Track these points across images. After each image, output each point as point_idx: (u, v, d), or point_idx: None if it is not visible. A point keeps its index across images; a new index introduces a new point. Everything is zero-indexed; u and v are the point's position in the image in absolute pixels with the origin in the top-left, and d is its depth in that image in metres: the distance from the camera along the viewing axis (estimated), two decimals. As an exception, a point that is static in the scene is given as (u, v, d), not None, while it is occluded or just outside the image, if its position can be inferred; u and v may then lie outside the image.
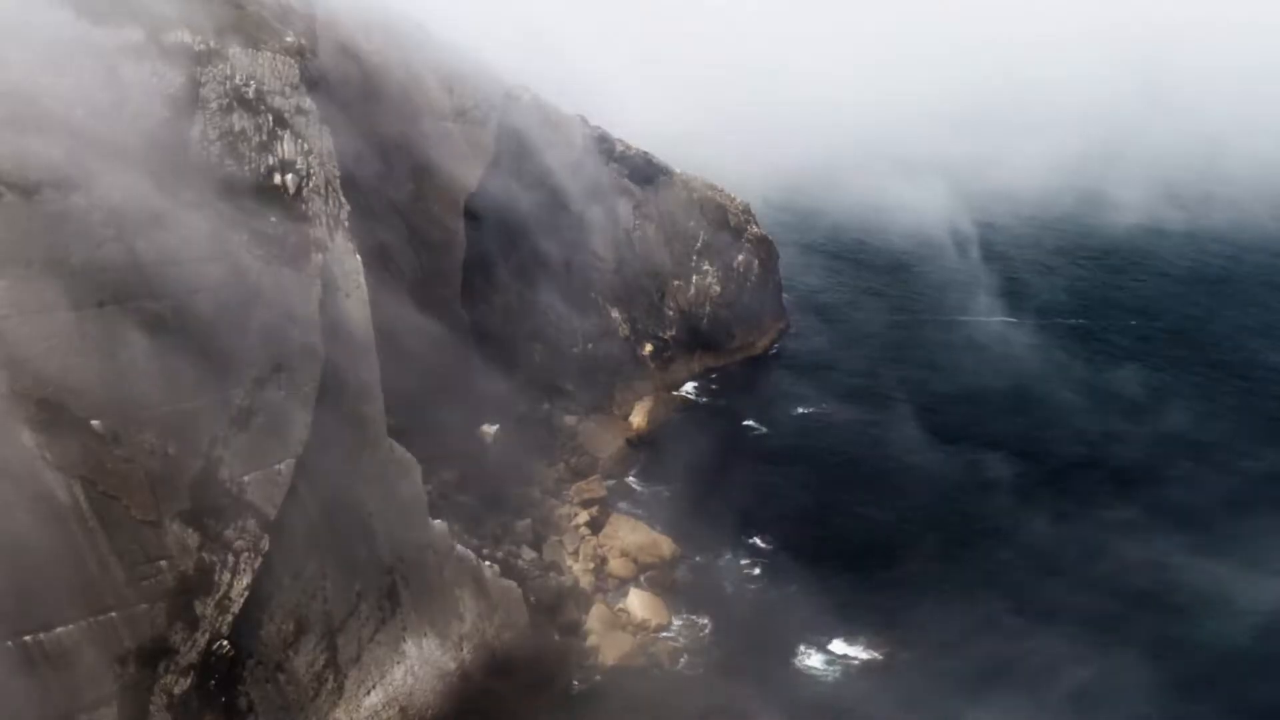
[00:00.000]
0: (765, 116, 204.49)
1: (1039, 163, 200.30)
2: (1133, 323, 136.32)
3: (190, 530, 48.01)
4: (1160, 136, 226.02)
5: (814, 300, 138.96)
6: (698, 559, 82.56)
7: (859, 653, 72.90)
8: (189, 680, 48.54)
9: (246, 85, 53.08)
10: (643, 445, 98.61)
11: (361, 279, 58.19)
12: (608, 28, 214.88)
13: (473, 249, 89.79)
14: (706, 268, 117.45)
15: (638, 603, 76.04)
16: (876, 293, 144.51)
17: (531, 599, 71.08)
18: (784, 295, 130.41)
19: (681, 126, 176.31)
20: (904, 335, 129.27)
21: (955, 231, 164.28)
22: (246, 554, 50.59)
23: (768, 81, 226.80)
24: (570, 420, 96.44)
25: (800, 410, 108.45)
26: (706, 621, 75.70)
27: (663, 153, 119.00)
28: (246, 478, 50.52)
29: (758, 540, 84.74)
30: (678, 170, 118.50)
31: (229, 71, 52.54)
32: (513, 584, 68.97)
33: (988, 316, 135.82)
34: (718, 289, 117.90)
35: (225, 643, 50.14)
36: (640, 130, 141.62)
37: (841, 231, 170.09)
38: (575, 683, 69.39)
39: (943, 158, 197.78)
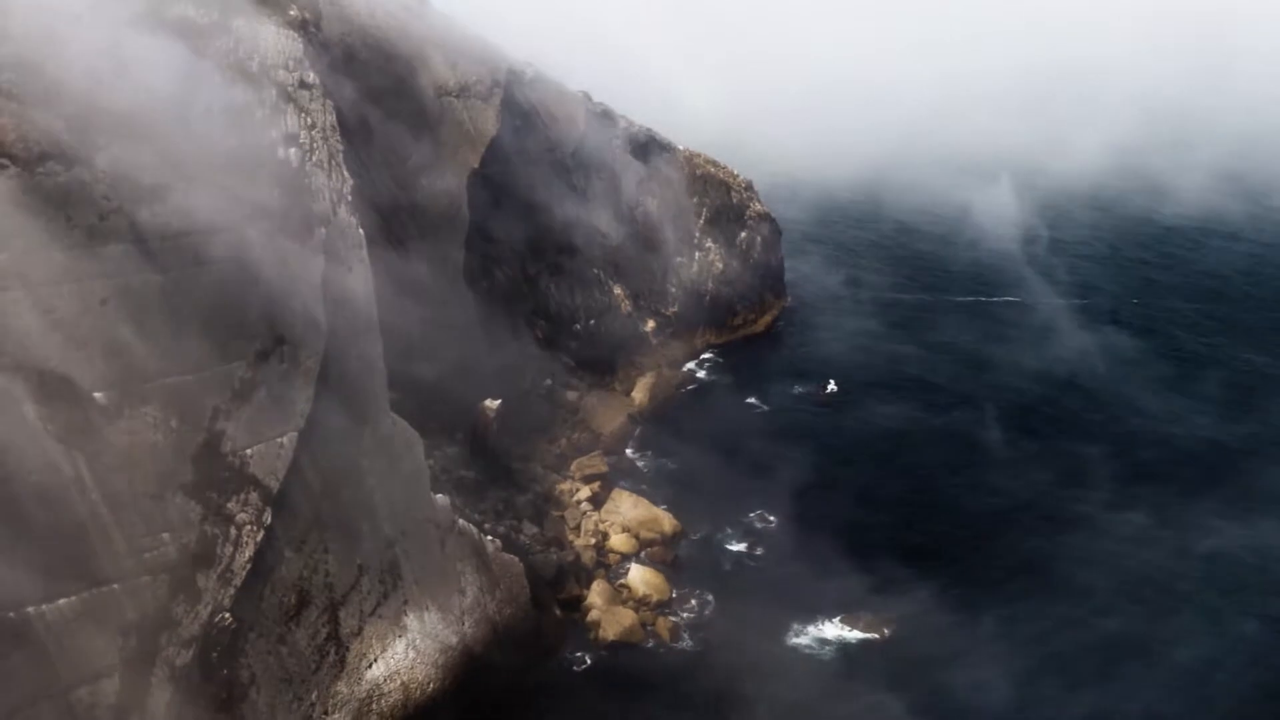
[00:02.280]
0: (814, 99, 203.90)
1: (1095, 147, 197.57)
2: (1192, 312, 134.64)
3: (193, 503, 48.12)
4: (1223, 124, 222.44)
5: (825, 280, 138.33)
6: (699, 535, 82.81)
7: (860, 631, 73.04)
8: (191, 652, 48.71)
9: (250, 59, 52.97)
10: (645, 421, 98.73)
11: (364, 253, 58.18)
12: (657, 14, 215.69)
13: (475, 225, 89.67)
14: (709, 244, 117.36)
15: (639, 578, 76.24)
16: (893, 272, 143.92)
17: (533, 574, 71.22)
18: (787, 273, 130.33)
19: (730, 110, 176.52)
20: (916, 315, 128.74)
21: (995, 214, 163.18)
22: (249, 527, 50.72)
23: (818, 64, 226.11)
24: (572, 396, 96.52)
25: (801, 388, 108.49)
26: (708, 598, 75.90)
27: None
28: (249, 451, 50.61)
29: (759, 517, 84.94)
30: (681, 146, 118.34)
31: (232, 45, 52.46)
32: (514, 559, 69.11)
33: (1010, 297, 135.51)
34: (720, 266, 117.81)
35: (227, 615, 50.29)
36: (689, 116, 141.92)
37: (874, 213, 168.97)
38: (576, 658, 69.70)
39: (995, 139, 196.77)
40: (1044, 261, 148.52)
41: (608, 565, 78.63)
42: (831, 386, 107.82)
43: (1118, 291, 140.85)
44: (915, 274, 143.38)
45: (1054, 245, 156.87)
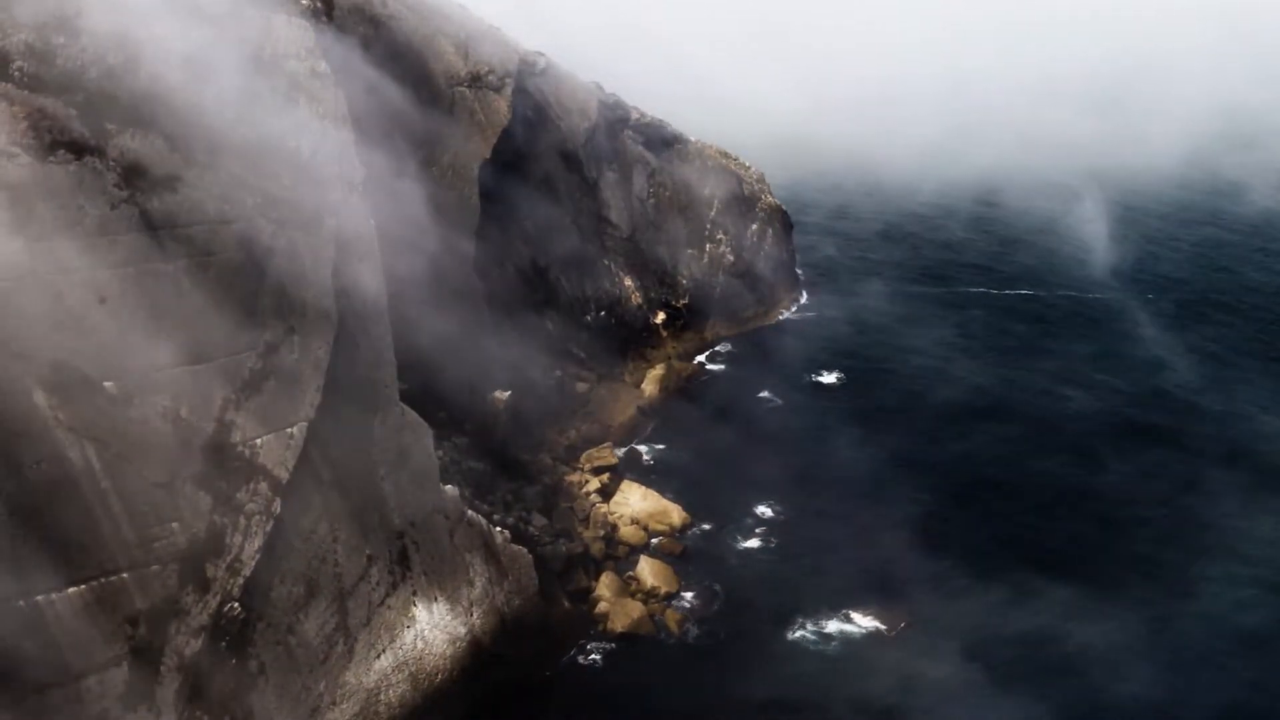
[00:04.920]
0: (884, 91, 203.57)
1: (1170, 144, 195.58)
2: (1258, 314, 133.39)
3: (202, 493, 48.09)
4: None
5: (851, 272, 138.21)
6: (709, 527, 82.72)
7: (869, 625, 72.88)
8: (200, 642, 48.73)
9: (262, 48, 52.84)
10: (655, 413, 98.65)
11: (375, 244, 58.10)
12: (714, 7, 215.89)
13: (486, 215, 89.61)
14: (720, 236, 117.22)
15: (648, 570, 76.22)
16: (929, 264, 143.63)
17: (542, 565, 71.23)
18: (798, 268, 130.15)
19: (794, 106, 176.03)
20: (944, 307, 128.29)
21: (1061, 209, 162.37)
22: (258, 517, 50.69)
23: (886, 53, 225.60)
24: (582, 387, 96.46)
25: (813, 380, 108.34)
26: (717, 590, 75.87)
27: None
28: (259, 440, 50.57)
29: (769, 510, 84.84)
30: (693, 138, 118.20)
31: (245, 33, 52.32)
32: (523, 550, 69.07)
33: (1065, 291, 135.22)
34: (731, 258, 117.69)
35: (236, 605, 50.31)
36: (750, 114, 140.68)
37: (924, 206, 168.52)
38: (584, 649, 69.70)
39: (1066, 132, 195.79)
40: (1111, 258, 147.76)
41: (617, 557, 78.62)
42: (831, 378, 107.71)
43: (1187, 288, 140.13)
44: (953, 268, 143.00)
45: (1125, 242, 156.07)
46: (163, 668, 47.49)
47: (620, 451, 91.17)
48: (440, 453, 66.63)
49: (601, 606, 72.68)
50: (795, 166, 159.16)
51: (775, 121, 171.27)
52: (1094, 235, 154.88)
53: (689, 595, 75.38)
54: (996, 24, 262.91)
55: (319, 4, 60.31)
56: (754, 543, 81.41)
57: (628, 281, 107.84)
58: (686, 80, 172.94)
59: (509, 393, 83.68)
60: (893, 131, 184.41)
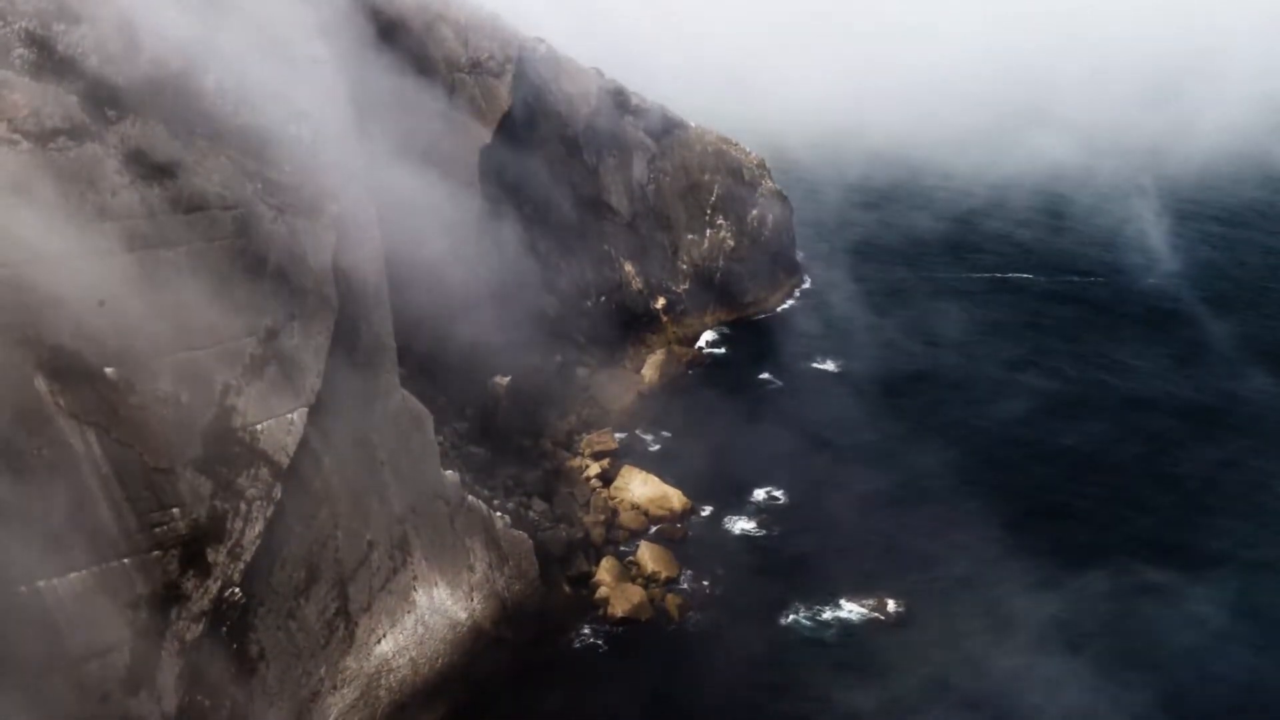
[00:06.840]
0: (926, 74, 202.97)
1: (1219, 130, 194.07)
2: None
3: (203, 478, 48.19)
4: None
5: (845, 257, 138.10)
6: (709, 512, 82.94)
7: (867, 611, 73.02)
8: (201, 627, 48.89)
9: (262, 33, 52.80)
10: (655, 399, 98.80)
11: (376, 229, 58.12)
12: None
13: (487, 201, 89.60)
14: (721, 222, 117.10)
15: (648, 555, 76.39)
16: (949, 255, 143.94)
17: (542, 550, 71.40)
18: (799, 253, 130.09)
19: (844, 94, 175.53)
20: (939, 296, 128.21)
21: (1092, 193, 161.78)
22: (259, 502, 50.82)
23: (932, 40, 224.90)
24: (582, 373, 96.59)
25: (814, 365, 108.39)
26: (717, 574, 76.04)
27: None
28: (259, 426, 50.66)
29: (769, 494, 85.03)
30: (693, 124, 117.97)
31: (244, 19, 52.29)
32: (524, 535, 69.29)
33: (1093, 277, 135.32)
34: (732, 243, 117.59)
35: (237, 590, 50.47)
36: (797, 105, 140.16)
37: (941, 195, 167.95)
38: (584, 634, 69.88)
39: (1117, 116, 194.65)
40: (1158, 251, 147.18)
41: (617, 542, 78.82)
42: (831, 363, 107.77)
43: (1240, 282, 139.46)
44: (964, 258, 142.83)
45: (1179, 235, 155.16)
46: (164, 652, 47.66)
47: (620, 436, 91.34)
48: (440, 438, 66.79)
49: (602, 591, 72.87)
50: (807, 159, 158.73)
51: (808, 109, 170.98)
52: (1141, 227, 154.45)
53: (689, 580, 75.56)
54: (1047, 10, 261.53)
55: (319, -10, 60.28)
56: (754, 527, 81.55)
57: (628, 267, 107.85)
58: (721, 69, 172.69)
59: (509, 378, 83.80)
60: (924, 119, 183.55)
